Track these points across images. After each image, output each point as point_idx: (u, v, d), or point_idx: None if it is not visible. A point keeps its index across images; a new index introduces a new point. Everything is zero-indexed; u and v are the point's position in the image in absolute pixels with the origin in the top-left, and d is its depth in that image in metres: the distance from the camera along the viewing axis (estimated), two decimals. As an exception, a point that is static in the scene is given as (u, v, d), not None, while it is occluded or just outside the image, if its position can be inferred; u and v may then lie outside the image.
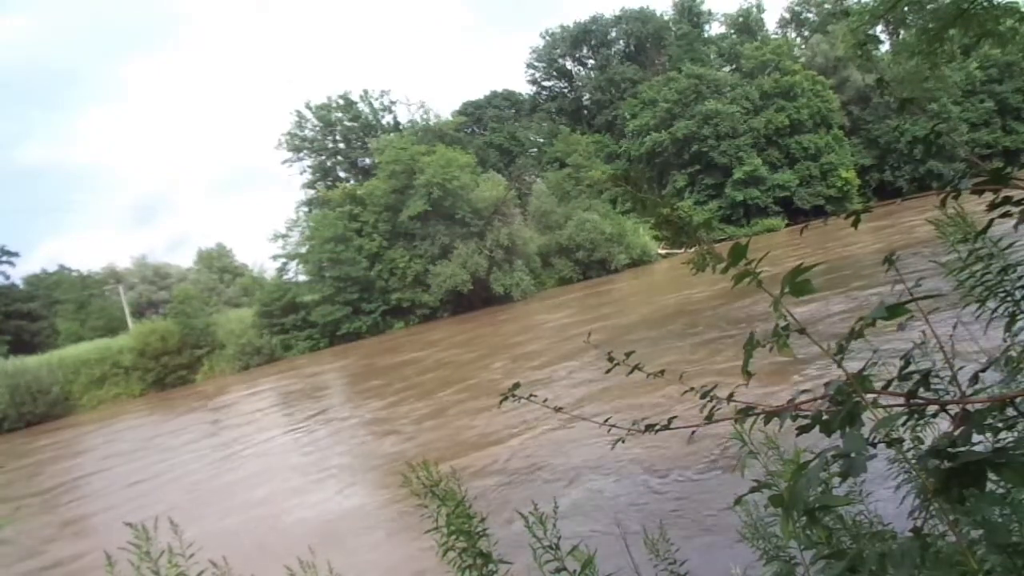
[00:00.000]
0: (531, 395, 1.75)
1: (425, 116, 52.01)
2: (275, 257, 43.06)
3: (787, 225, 44.81)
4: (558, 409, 1.86)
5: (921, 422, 1.29)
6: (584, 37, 60.53)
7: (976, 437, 0.94)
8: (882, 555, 0.92)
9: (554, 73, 62.48)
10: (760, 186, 46.07)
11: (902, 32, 18.21)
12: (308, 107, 51.95)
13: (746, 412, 1.23)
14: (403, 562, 6.14)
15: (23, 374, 32.19)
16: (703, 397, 1.40)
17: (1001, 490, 1.37)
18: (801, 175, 46.73)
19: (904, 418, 1.09)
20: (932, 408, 1.05)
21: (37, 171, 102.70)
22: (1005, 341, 1.83)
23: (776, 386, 7.84)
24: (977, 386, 1.20)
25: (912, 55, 11.29)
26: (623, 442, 1.65)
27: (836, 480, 1.02)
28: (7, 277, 52.58)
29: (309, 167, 52.73)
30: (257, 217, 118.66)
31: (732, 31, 61.45)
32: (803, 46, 56.15)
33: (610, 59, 59.80)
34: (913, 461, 1.73)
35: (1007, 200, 0.98)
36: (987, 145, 49.49)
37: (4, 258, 52.89)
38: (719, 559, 4.61)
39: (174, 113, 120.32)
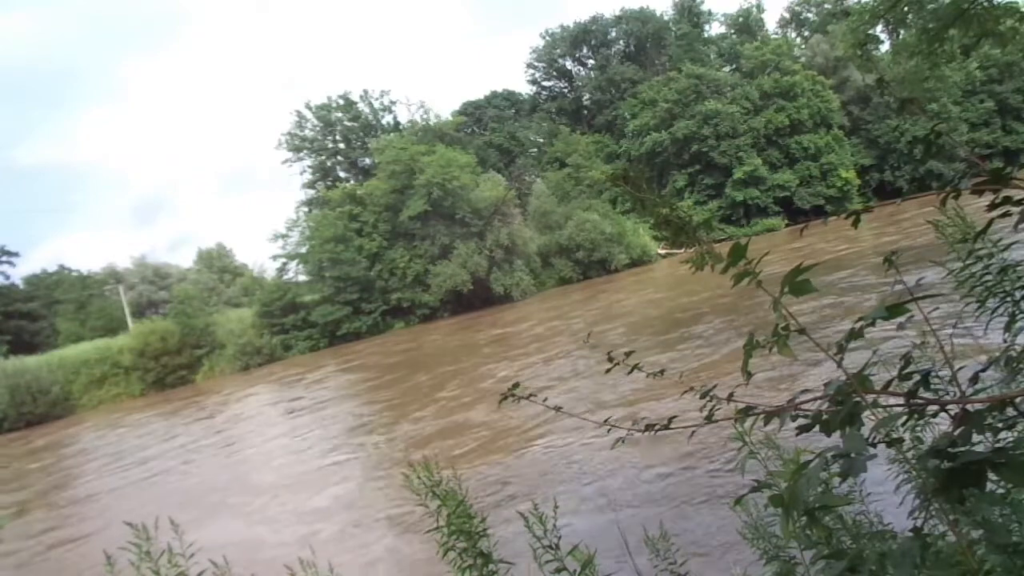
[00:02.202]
0: (531, 395, 1.75)
1: (425, 116, 51.94)
2: (275, 257, 43.04)
3: (787, 225, 44.77)
4: (557, 409, 1.86)
5: (921, 422, 1.29)
6: (584, 37, 60.46)
7: (976, 437, 0.94)
8: (882, 555, 0.92)
9: (554, 73, 62.42)
10: (760, 186, 46.01)
11: (902, 32, 18.20)
12: (308, 107, 51.89)
13: (746, 412, 1.23)
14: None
15: (23, 374, 32.17)
16: (703, 397, 1.40)
17: (1001, 490, 1.37)
18: (801, 175, 46.67)
19: (904, 418, 1.09)
20: (932, 408, 1.05)
21: (37, 171, 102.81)
22: (1005, 341, 1.83)
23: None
24: (977, 386, 1.20)
25: (912, 55, 11.28)
26: (622, 442, 1.65)
27: (836, 480, 1.02)
28: (7, 277, 52.60)
29: (309, 167, 52.68)
30: (257, 217, 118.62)
31: (732, 31, 61.41)
32: (803, 46, 56.07)
33: (610, 59, 59.74)
34: (913, 461, 1.73)
35: (1007, 200, 0.98)
36: (987, 145, 49.43)
37: (4, 258, 52.89)
38: (719, 559, 4.62)
39: (174, 113, 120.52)
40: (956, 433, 0.92)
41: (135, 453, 16.17)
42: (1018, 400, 0.99)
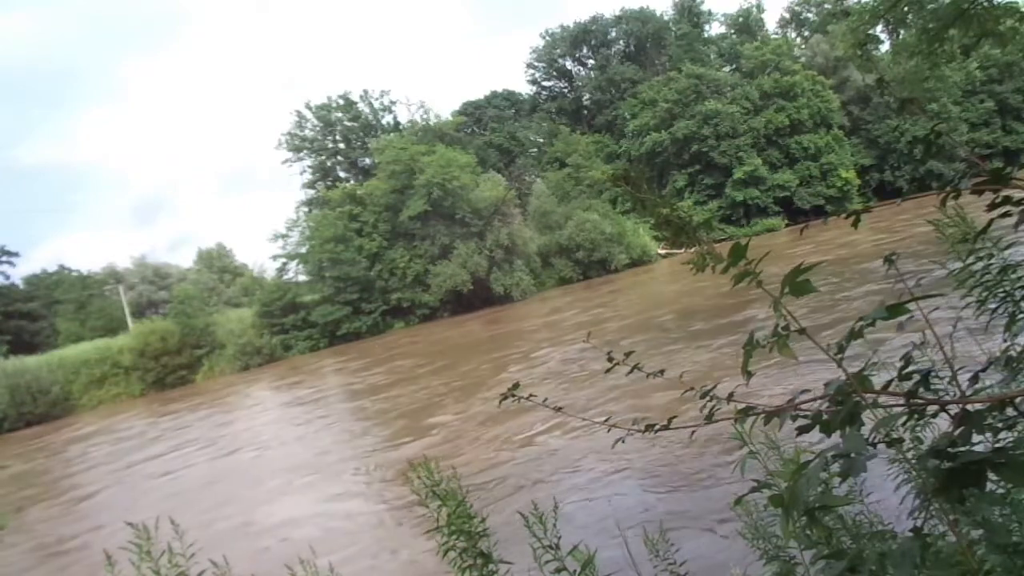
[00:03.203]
0: (530, 395, 1.75)
1: (425, 116, 51.91)
2: (275, 257, 43.10)
3: (787, 225, 44.78)
4: (558, 409, 1.85)
5: (921, 422, 1.29)
6: (584, 37, 60.46)
7: (976, 437, 0.94)
8: (882, 555, 0.92)
9: (554, 73, 62.41)
10: (760, 186, 46.02)
11: (902, 32, 18.21)
12: (308, 107, 51.88)
13: (746, 412, 1.23)
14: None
15: (23, 374, 32.16)
16: (703, 397, 1.40)
17: (1001, 490, 1.37)
18: (801, 175, 46.68)
19: (904, 418, 1.09)
20: (932, 408, 1.05)
21: (37, 171, 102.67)
22: (1005, 341, 1.83)
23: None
24: (977, 386, 1.20)
25: (912, 55, 11.27)
26: (623, 442, 1.65)
27: (836, 480, 1.02)
28: (7, 277, 52.58)
29: (309, 167, 52.67)
30: (257, 217, 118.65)
31: (732, 31, 61.40)
32: (803, 46, 56.08)
33: (610, 59, 59.74)
34: (913, 461, 1.73)
35: (1007, 200, 0.98)
36: (987, 145, 49.42)
37: (4, 258, 52.86)
38: (719, 559, 4.61)
39: (174, 113, 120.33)
40: (956, 433, 0.92)
41: (146, 449, 16.17)
42: (1018, 400, 0.99)
